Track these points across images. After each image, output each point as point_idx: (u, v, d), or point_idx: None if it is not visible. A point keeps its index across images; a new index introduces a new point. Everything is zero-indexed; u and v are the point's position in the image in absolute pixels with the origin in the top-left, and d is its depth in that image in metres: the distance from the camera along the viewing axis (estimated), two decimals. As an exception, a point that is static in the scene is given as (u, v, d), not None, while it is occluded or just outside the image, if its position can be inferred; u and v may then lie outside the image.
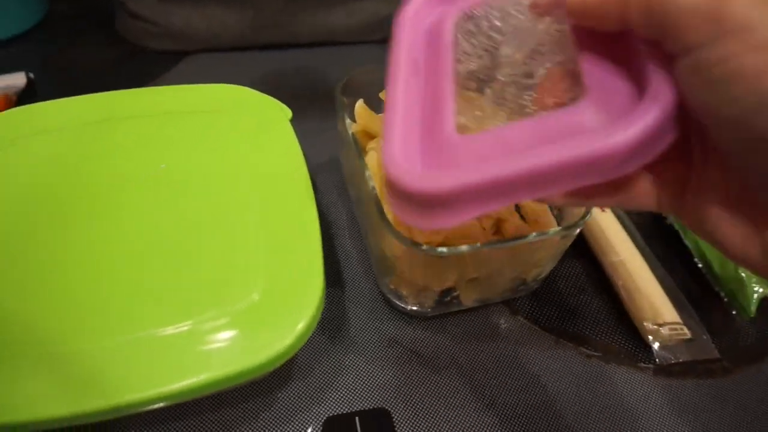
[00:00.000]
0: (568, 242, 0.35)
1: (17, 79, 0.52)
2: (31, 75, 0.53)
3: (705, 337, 0.38)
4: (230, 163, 0.35)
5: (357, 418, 0.32)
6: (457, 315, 0.38)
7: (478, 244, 0.30)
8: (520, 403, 0.34)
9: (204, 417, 0.32)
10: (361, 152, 0.35)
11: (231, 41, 0.59)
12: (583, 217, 0.32)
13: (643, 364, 0.37)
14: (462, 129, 0.23)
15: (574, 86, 0.22)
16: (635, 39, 0.19)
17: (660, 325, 0.37)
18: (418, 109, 0.25)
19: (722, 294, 0.41)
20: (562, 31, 0.23)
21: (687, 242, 0.43)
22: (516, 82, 0.25)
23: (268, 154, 0.36)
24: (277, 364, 0.27)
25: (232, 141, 0.37)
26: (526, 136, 0.21)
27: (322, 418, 0.32)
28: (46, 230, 0.31)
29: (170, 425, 0.31)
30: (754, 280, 0.39)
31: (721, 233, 0.19)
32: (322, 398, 0.33)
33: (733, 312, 0.40)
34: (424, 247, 0.29)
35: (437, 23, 0.28)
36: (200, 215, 0.32)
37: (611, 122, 0.20)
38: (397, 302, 0.37)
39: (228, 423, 0.32)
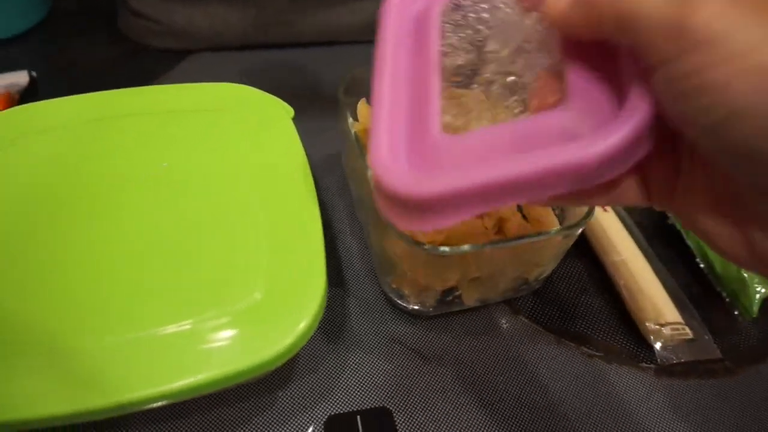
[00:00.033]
0: (570, 242, 0.35)
1: (20, 78, 0.52)
2: (34, 73, 0.53)
3: (707, 337, 0.38)
4: (232, 162, 0.35)
5: (358, 417, 0.32)
6: (458, 314, 0.38)
7: (481, 244, 0.30)
8: (521, 403, 0.34)
9: (205, 415, 0.32)
10: (363, 151, 0.35)
11: (233, 40, 0.59)
12: (586, 217, 0.32)
13: (644, 364, 0.37)
14: (448, 128, 0.23)
15: (560, 88, 0.22)
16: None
17: (662, 325, 0.37)
18: (404, 106, 0.25)
19: (724, 294, 0.41)
20: (549, 28, 0.23)
21: (689, 242, 0.43)
22: (502, 81, 0.25)
23: (270, 153, 0.36)
24: (279, 363, 0.28)
25: (234, 139, 0.37)
26: (511, 140, 0.21)
27: (324, 417, 0.32)
28: (47, 228, 0.31)
29: (171, 424, 0.32)
30: (756, 280, 0.39)
31: (710, 231, 0.20)
32: (323, 397, 0.33)
33: (736, 312, 0.40)
34: (426, 246, 0.29)
35: (424, 11, 0.27)
36: (202, 214, 0.32)
37: (593, 129, 0.20)
38: (399, 301, 0.37)
39: (229, 422, 0.32)
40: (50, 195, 0.33)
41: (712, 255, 0.42)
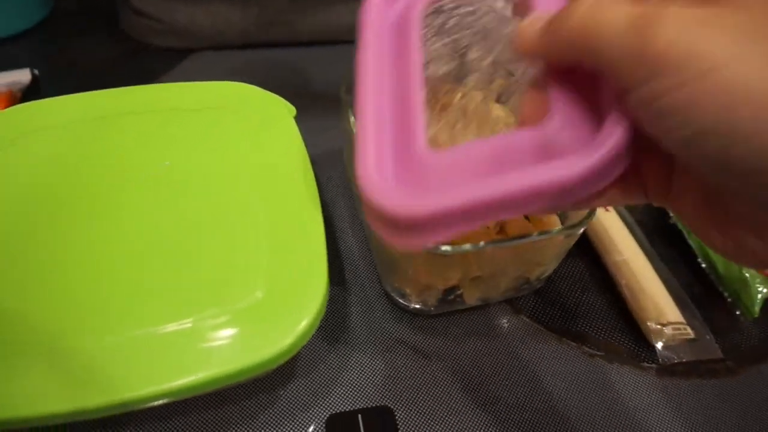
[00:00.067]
0: (572, 241, 0.34)
1: (22, 76, 0.52)
2: (36, 72, 0.53)
3: (708, 337, 0.38)
4: (234, 161, 0.35)
5: (360, 415, 0.32)
6: (460, 313, 0.38)
7: (482, 243, 0.30)
8: (522, 402, 0.34)
9: (206, 414, 0.32)
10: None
11: (235, 39, 0.59)
12: (587, 216, 0.32)
13: (646, 364, 0.37)
14: (434, 142, 0.23)
15: (546, 101, 0.22)
16: None
17: (663, 325, 0.37)
18: (389, 119, 0.25)
19: (726, 294, 0.41)
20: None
21: (691, 242, 0.43)
22: (486, 91, 0.25)
23: (271, 152, 0.36)
24: (280, 362, 0.27)
25: (235, 138, 0.37)
26: (496, 156, 0.22)
27: (325, 416, 0.32)
28: (48, 226, 0.31)
29: (172, 422, 0.32)
30: (758, 280, 0.39)
31: (701, 229, 0.20)
32: (324, 396, 0.33)
33: (737, 312, 0.40)
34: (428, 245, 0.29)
35: (404, 14, 0.27)
36: (204, 212, 0.32)
37: (576, 146, 0.20)
38: (401, 300, 0.37)
39: (230, 420, 0.32)
40: (51, 193, 0.33)
41: (714, 255, 0.42)
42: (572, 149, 0.20)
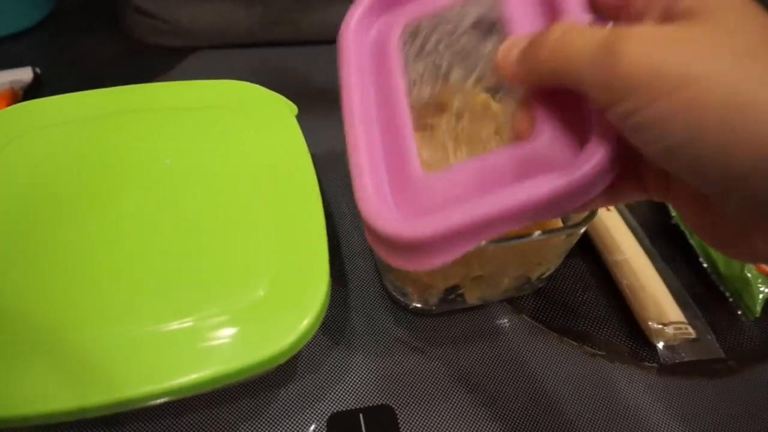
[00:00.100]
0: (574, 241, 0.34)
1: (24, 74, 0.52)
2: (38, 70, 0.53)
3: (710, 336, 0.38)
4: (235, 159, 0.35)
5: (361, 414, 0.32)
6: (461, 313, 0.38)
7: (483, 242, 0.30)
8: (523, 401, 0.34)
9: (207, 412, 0.32)
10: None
11: (237, 38, 0.59)
12: (589, 216, 0.32)
13: (647, 364, 0.37)
14: (427, 165, 0.24)
15: (533, 118, 0.22)
16: None
17: (665, 325, 0.37)
18: (380, 146, 0.25)
19: (727, 294, 0.41)
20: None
21: (692, 242, 0.43)
22: (471, 112, 0.25)
23: (273, 150, 0.36)
24: (281, 361, 0.27)
25: (237, 137, 0.37)
26: (489, 174, 0.22)
27: (326, 415, 0.32)
28: (50, 224, 0.31)
29: (172, 420, 0.32)
30: (759, 280, 0.39)
31: (699, 227, 0.21)
32: (325, 395, 0.33)
33: (739, 312, 0.40)
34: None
35: (383, 37, 0.27)
36: (205, 211, 0.32)
37: (564, 159, 0.21)
38: (402, 299, 0.37)
39: (231, 419, 0.32)
40: (52, 191, 0.33)
41: (716, 254, 0.42)
42: (562, 164, 0.21)
